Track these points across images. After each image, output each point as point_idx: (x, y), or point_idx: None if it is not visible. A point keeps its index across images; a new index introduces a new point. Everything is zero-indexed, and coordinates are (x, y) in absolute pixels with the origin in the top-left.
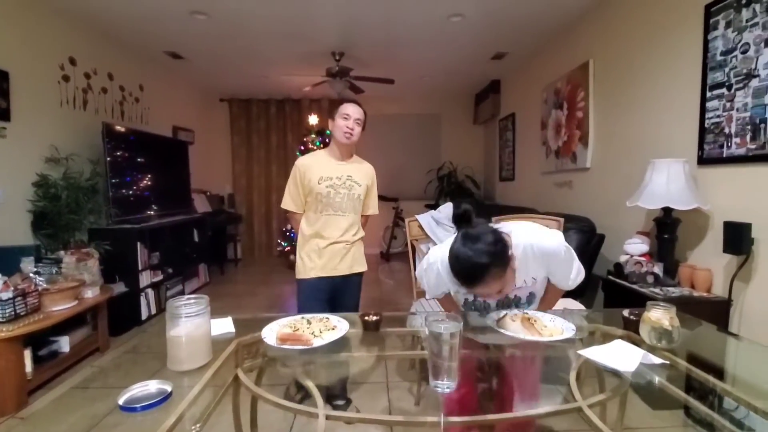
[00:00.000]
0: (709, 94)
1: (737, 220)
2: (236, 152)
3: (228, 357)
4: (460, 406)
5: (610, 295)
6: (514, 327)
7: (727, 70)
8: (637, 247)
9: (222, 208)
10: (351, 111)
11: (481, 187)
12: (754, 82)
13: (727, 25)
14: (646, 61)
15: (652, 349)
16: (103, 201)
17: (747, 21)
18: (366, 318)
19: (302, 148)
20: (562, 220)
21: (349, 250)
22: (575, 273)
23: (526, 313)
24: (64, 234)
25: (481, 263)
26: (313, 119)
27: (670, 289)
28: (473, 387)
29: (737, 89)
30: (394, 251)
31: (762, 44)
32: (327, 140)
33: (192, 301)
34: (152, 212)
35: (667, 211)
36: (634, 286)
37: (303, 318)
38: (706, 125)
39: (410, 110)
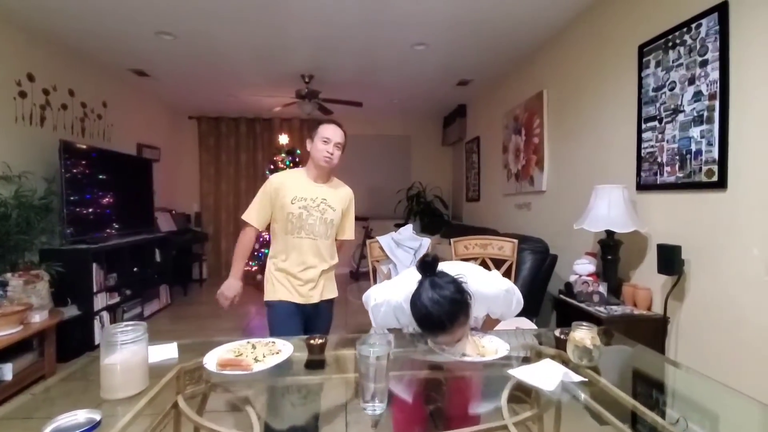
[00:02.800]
0: (644, 125)
1: (670, 242)
2: (204, 170)
3: (168, 384)
4: (412, 426)
5: (561, 314)
6: (459, 344)
7: (658, 104)
8: (584, 267)
9: (188, 227)
10: (331, 134)
11: (449, 207)
12: (680, 117)
13: (657, 64)
14: (592, 94)
15: (577, 367)
16: (57, 220)
17: (673, 61)
18: (311, 342)
19: (272, 167)
20: (516, 241)
21: (319, 276)
22: (514, 306)
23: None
24: (11, 255)
25: (449, 311)
26: (283, 139)
27: (614, 307)
28: (423, 407)
29: (666, 122)
30: (363, 270)
31: (686, 83)
32: (297, 159)
33: (129, 328)
34: (111, 231)
35: (609, 233)
36: (582, 305)
37: (248, 342)
38: (642, 154)
39: (381, 131)
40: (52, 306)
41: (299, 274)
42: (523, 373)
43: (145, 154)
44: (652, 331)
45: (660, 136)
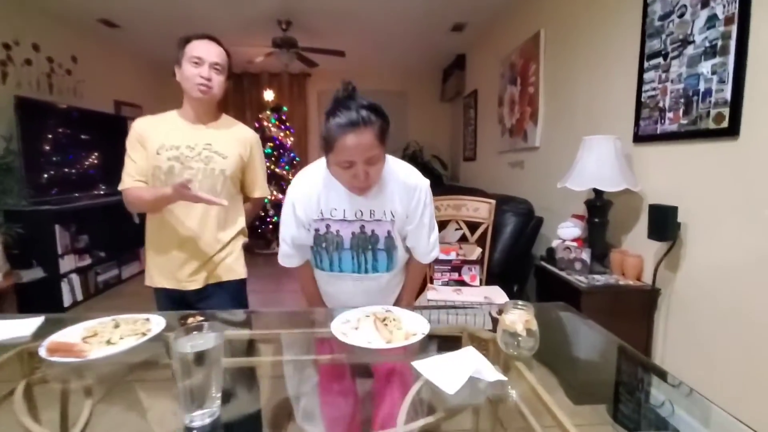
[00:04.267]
0: (646, 64)
1: (667, 202)
2: None
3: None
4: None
5: (541, 283)
6: (365, 328)
7: (663, 36)
8: (569, 231)
9: None
10: (204, 52)
11: (449, 168)
12: (689, 49)
13: None
14: (591, 31)
15: (508, 359)
16: (20, 180)
17: None
18: (184, 322)
19: (257, 125)
20: (493, 202)
21: (214, 252)
22: (433, 238)
23: (389, 311)
24: None
25: (365, 105)
26: (269, 95)
27: (597, 276)
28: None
29: (673, 58)
30: None
31: (698, 5)
32: (284, 118)
33: None
34: (80, 193)
35: (597, 192)
36: (562, 273)
37: (113, 320)
38: (642, 99)
39: (373, 87)
40: (8, 268)
41: (174, 252)
42: (428, 368)
43: (124, 112)
44: (639, 304)
45: (664, 75)
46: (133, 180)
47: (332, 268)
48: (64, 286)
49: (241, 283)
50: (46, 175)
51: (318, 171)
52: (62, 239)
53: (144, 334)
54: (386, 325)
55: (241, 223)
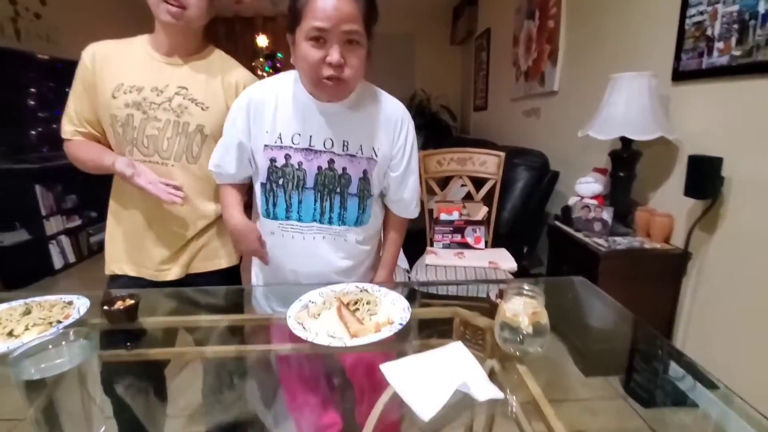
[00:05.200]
0: None
1: (709, 153)
2: None
3: None
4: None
5: (555, 245)
6: (326, 319)
7: None
8: (589, 187)
9: None
10: None
11: (458, 119)
12: None
13: None
14: None
15: (504, 359)
16: None
17: None
18: (107, 307)
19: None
20: (502, 155)
21: (196, 232)
22: (417, 188)
23: (365, 291)
24: None
25: None
26: (262, 40)
27: (618, 239)
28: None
29: None
30: None
31: None
32: (279, 65)
33: None
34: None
35: (625, 141)
36: (578, 235)
37: (25, 303)
38: (686, 26)
39: (378, 30)
40: None
41: (141, 227)
42: (400, 376)
43: None
44: (666, 270)
45: None
46: (74, 129)
47: (288, 215)
48: (53, 249)
49: (233, 271)
50: (25, 132)
51: (286, 80)
52: (45, 200)
53: (59, 322)
54: (357, 310)
55: None
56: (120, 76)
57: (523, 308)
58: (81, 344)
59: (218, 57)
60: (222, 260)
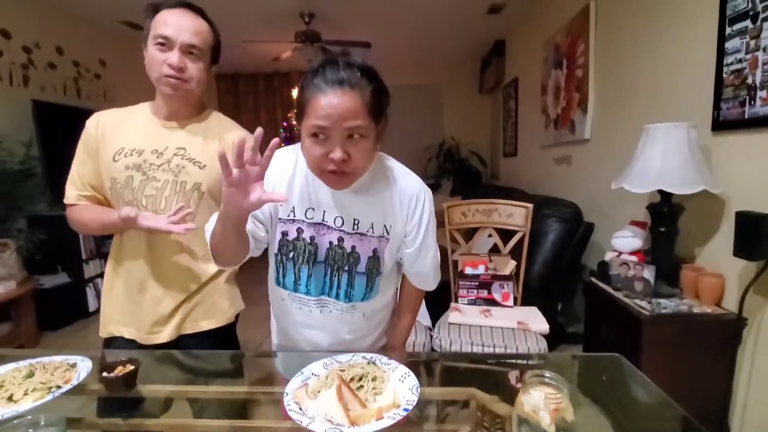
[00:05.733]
0: (728, 30)
1: (759, 209)
2: None
3: None
4: None
5: (592, 303)
6: (325, 399)
7: None
8: (627, 241)
9: None
10: (173, 30)
11: (488, 165)
12: None
13: None
14: None
15: None
16: (42, 186)
17: None
18: (106, 374)
19: (285, 124)
20: (530, 206)
21: (193, 290)
22: (437, 262)
23: (372, 363)
24: None
25: (357, 64)
26: (297, 93)
27: (663, 301)
28: None
29: (765, 19)
30: None
31: None
32: None
33: None
34: None
35: (664, 194)
36: (617, 294)
37: (30, 365)
38: (724, 74)
39: (406, 81)
40: (25, 275)
41: (136, 292)
42: None
43: None
44: (719, 337)
45: (754, 43)
46: (77, 194)
47: (296, 287)
48: (89, 292)
49: (225, 331)
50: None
51: (300, 155)
52: (86, 244)
53: (59, 387)
54: (361, 387)
55: None
56: (121, 140)
57: (544, 402)
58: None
59: (216, 118)
60: (217, 320)
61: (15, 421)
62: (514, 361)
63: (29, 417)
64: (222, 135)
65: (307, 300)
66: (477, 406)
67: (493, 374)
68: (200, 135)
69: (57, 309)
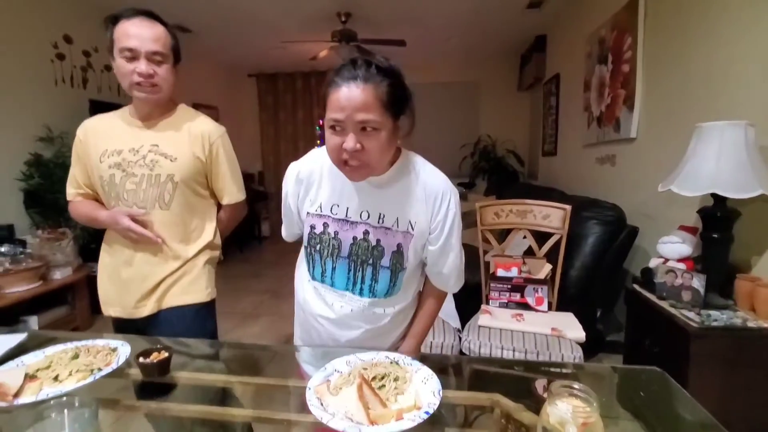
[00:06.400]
0: None
1: None
2: (264, 129)
3: None
4: None
5: (634, 312)
6: (346, 397)
7: None
8: (674, 248)
9: (251, 186)
10: (136, 41)
11: (526, 164)
12: None
13: None
14: None
15: None
16: None
17: None
18: (143, 360)
19: (321, 122)
20: (568, 208)
21: (169, 272)
22: (461, 264)
23: (395, 363)
24: (53, 212)
25: (375, 62)
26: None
27: (714, 312)
28: None
29: None
30: None
31: None
32: None
33: None
34: None
35: (717, 198)
36: (662, 304)
37: (75, 348)
38: None
39: (442, 79)
40: (80, 262)
41: (123, 270)
42: None
43: None
44: None
45: None
46: (75, 192)
47: (323, 279)
48: None
49: (201, 308)
50: None
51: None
52: None
53: (99, 369)
54: (383, 386)
55: (208, 236)
56: (104, 143)
57: (572, 415)
58: (81, 414)
59: (183, 113)
60: (188, 298)
61: (52, 402)
62: (547, 368)
63: (65, 399)
64: (191, 126)
65: (332, 293)
66: (501, 414)
67: (521, 381)
68: (171, 130)
69: None
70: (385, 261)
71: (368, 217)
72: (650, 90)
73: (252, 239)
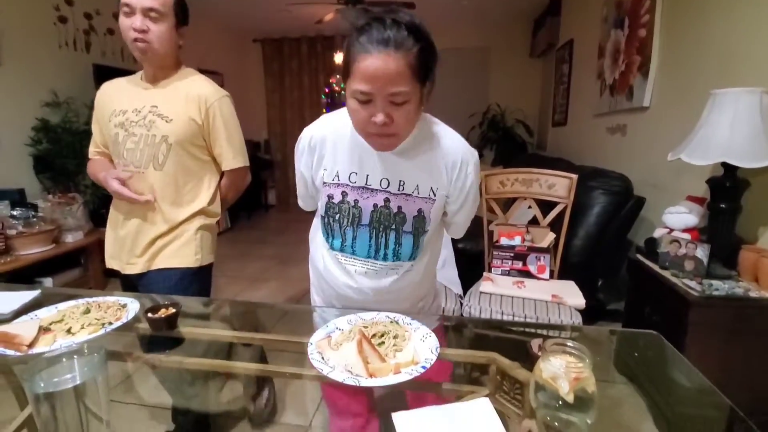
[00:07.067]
0: None
1: None
2: (270, 97)
3: None
4: None
5: (636, 282)
6: (346, 352)
7: None
8: (680, 218)
9: (256, 154)
10: None
11: (534, 134)
12: None
13: None
14: None
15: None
16: None
17: None
18: (151, 315)
19: (327, 90)
20: (574, 177)
21: (159, 234)
22: (469, 213)
23: (395, 322)
24: (63, 177)
25: (405, 21)
26: (340, 58)
27: (716, 282)
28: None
29: None
30: None
31: None
32: None
33: None
34: None
35: (728, 168)
36: (664, 273)
37: (86, 303)
38: None
39: (451, 44)
40: (91, 227)
41: (120, 228)
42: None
43: None
44: None
45: None
46: (94, 151)
47: (343, 248)
48: None
49: (187, 273)
50: None
51: (345, 119)
52: None
53: (110, 323)
54: (382, 343)
55: (202, 201)
56: (114, 104)
57: (564, 371)
58: (91, 360)
59: (185, 74)
60: (176, 261)
61: (63, 349)
62: (545, 331)
63: (74, 346)
64: (189, 89)
65: (353, 261)
66: (497, 371)
67: (518, 342)
68: (170, 91)
69: None
70: (408, 227)
71: (388, 185)
72: (666, 56)
73: (258, 207)
